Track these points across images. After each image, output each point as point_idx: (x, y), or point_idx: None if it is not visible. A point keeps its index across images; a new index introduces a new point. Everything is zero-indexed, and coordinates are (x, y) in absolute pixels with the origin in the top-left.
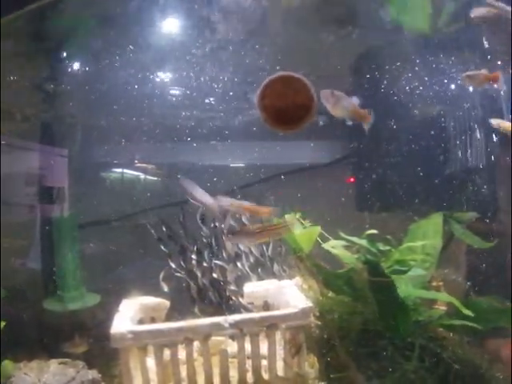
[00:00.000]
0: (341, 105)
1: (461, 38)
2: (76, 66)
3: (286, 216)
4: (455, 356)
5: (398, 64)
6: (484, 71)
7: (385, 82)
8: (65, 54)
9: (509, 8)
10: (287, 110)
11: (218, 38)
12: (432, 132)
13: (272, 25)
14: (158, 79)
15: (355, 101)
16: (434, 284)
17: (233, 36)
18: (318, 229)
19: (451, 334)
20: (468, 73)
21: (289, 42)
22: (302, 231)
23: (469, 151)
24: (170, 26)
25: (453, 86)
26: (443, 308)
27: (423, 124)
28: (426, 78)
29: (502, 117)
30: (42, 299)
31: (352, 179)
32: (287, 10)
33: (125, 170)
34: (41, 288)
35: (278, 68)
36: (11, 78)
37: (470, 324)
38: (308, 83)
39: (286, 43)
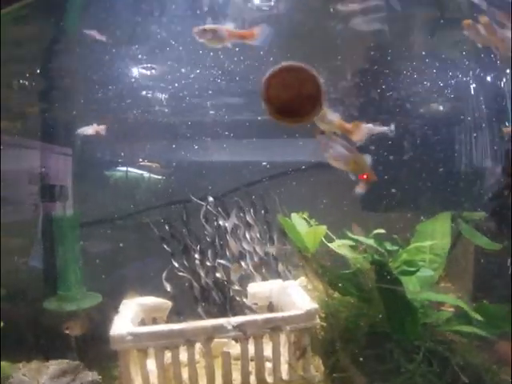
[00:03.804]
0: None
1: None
2: (78, 63)
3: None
4: (464, 360)
5: (402, 60)
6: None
7: (392, 78)
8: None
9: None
10: (293, 101)
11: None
12: (439, 130)
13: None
14: (160, 76)
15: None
16: (442, 285)
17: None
18: (324, 228)
19: (459, 338)
20: None
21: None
22: (308, 230)
23: (477, 149)
24: (173, 19)
25: (460, 85)
26: (451, 309)
27: (430, 122)
28: (434, 75)
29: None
30: (43, 299)
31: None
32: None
33: (128, 169)
34: (41, 287)
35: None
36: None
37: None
38: (315, 73)
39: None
